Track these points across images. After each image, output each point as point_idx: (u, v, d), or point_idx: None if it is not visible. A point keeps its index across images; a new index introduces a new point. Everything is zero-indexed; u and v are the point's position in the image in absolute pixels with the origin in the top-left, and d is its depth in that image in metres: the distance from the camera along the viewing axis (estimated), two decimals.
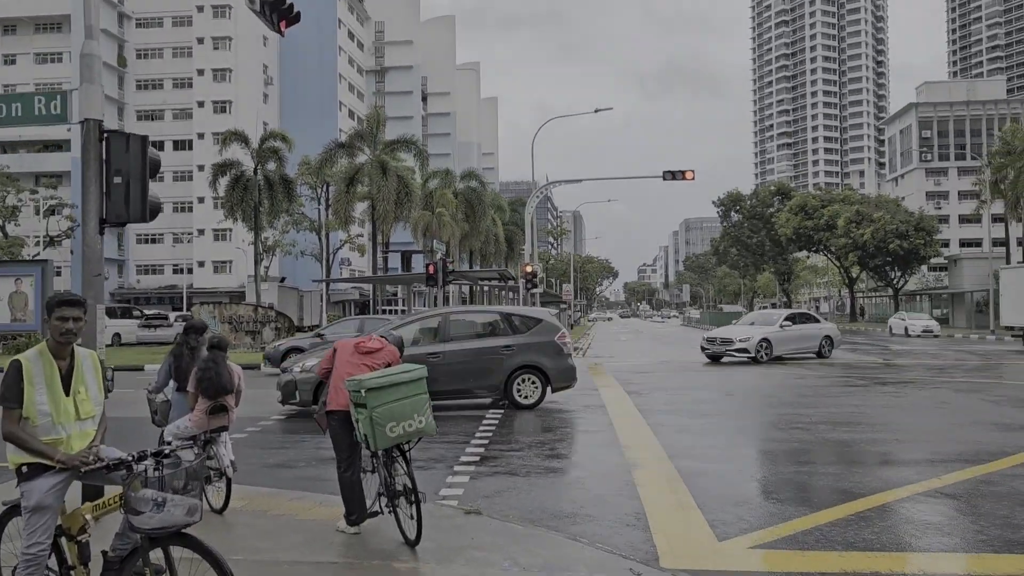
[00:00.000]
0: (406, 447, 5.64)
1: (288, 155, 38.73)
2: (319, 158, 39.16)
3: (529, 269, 28.34)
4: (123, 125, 73.61)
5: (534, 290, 29.36)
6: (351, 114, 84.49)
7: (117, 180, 6.80)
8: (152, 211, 7.01)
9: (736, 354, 23.77)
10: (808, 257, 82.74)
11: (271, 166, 37.46)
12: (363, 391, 5.29)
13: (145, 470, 3.65)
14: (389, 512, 5.77)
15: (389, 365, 6.11)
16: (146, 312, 40.50)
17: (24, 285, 32.39)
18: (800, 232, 69.54)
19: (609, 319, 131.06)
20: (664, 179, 28.65)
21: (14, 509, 4.15)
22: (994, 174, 48.72)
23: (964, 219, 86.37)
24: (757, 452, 9.76)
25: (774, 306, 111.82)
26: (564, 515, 6.79)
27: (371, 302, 75.46)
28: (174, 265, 72.86)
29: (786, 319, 25.61)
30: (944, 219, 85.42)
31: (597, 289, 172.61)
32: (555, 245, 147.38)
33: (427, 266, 26.03)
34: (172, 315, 38.69)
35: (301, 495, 7.28)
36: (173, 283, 71.86)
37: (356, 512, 5.82)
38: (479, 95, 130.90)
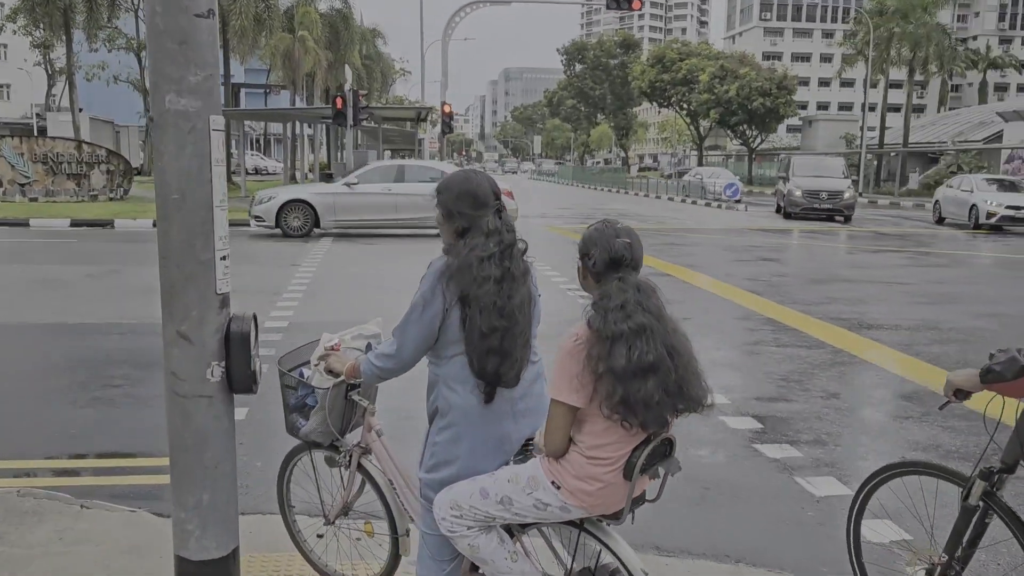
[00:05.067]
0: None
1: None
2: None
3: (448, 109, 23.48)
4: None
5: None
6: None
7: None
8: None
9: None
10: (660, 112, 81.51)
11: None
12: None
13: None
14: None
15: None
16: None
17: None
18: (656, 85, 67.50)
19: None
20: (608, 8, 24.37)
21: None
22: (864, 36, 48.08)
23: (801, 81, 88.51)
24: None
25: (607, 161, 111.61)
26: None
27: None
28: None
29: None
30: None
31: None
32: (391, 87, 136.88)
33: (335, 99, 20.51)
34: None
35: None
36: None
37: None
38: None
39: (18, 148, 25.25)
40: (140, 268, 11.61)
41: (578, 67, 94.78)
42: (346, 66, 21.41)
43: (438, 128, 37.87)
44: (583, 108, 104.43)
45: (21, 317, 8.39)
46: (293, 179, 33.61)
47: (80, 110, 49.76)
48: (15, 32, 46.42)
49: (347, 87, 20.86)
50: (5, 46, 55.45)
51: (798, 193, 23.57)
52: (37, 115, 52.47)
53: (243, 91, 62.78)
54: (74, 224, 18.74)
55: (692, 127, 70.39)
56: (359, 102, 20.52)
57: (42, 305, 9.01)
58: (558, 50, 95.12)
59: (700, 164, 72.60)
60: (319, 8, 37.88)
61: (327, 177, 26.71)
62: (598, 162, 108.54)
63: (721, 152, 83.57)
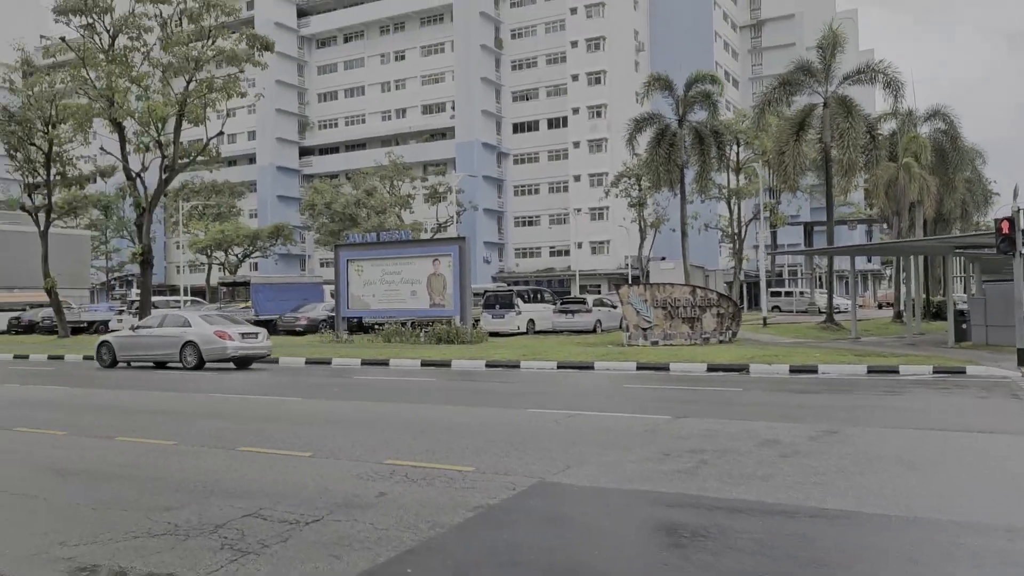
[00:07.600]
0: None
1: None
2: (757, 104, 31.57)
3: None
4: (499, 107, 73.19)
5: None
6: (727, 75, 76.16)
7: None
8: None
9: None
10: None
11: (699, 115, 30.75)
12: None
13: None
14: None
15: None
16: (561, 295, 36.43)
17: (442, 266, 29.45)
18: None
19: None
20: None
21: None
22: None
23: None
24: None
25: None
26: None
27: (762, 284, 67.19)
28: (551, 247, 70.80)
29: None
30: None
31: None
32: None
33: (1000, 223, 17.31)
34: (590, 298, 33.93)
35: None
36: (550, 266, 69.88)
37: None
38: (857, 49, 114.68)
39: (642, 295, 27.14)
40: (866, 429, 9.87)
41: None
42: (1015, 187, 18.05)
43: None
44: None
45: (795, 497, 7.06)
46: (898, 317, 30.36)
47: (663, 258, 54.10)
48: (616, 196, 53.21)
49: (1012, 209, 17.54)
50: (607, 208, 64.04)
51: None
52: (630, 265, 58.67)
53: (816, 229, 61.82)
54: (710, 369, 18.61)
55: None
56: None
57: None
58: None
59: None
60: (920, 130, 35.03)
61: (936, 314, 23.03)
62: None
63: None
